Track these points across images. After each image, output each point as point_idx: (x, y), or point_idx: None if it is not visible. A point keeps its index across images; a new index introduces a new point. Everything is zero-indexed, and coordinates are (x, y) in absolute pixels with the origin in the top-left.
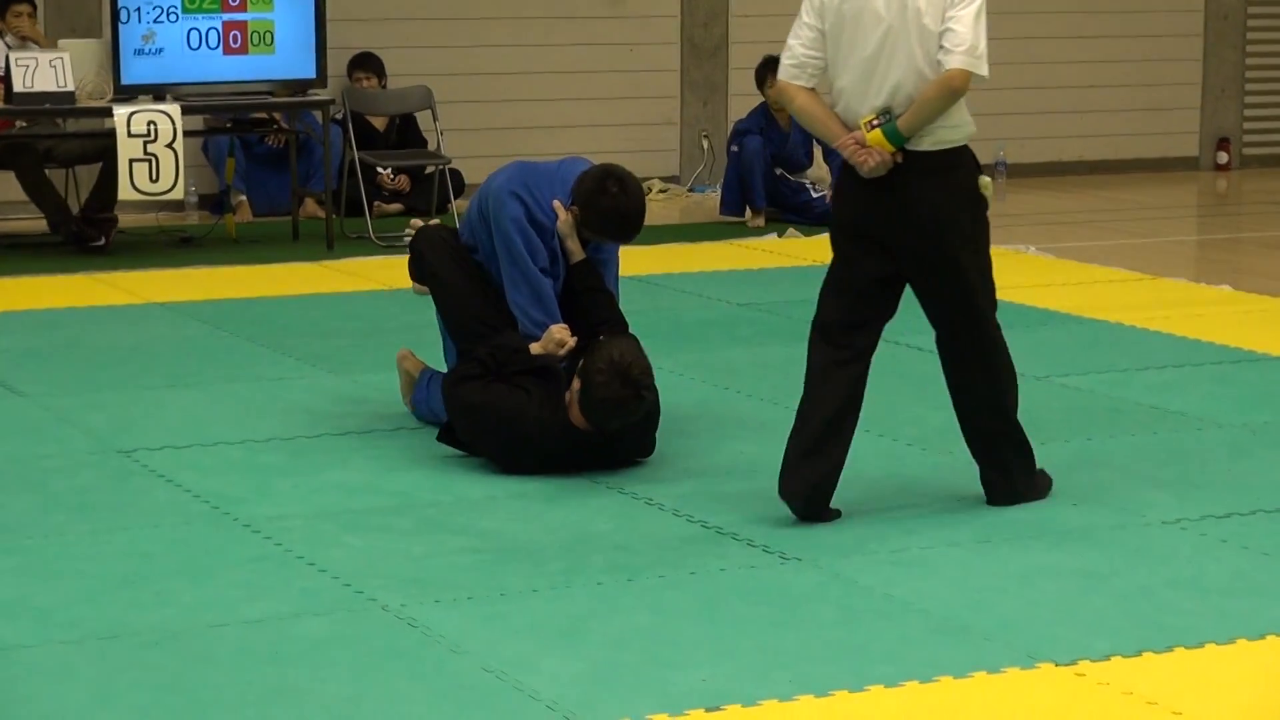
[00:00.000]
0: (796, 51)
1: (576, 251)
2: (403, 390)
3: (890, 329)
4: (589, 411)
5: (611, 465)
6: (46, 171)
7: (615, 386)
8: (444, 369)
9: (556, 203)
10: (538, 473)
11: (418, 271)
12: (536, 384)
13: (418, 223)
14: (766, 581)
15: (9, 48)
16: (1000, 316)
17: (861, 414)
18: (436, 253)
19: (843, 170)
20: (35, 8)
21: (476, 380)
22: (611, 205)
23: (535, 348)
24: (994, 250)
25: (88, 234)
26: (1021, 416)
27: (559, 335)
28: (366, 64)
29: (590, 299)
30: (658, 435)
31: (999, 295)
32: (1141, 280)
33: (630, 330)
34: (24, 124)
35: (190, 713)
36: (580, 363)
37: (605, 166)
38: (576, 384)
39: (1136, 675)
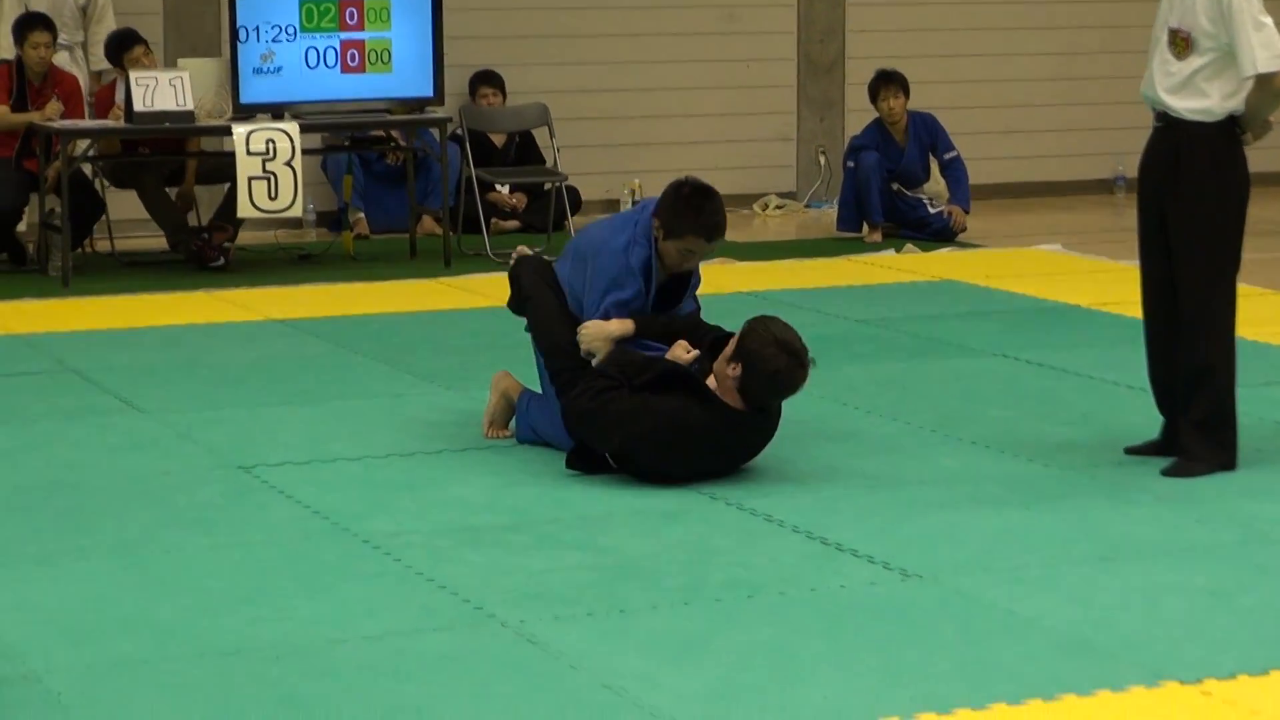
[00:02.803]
0: None
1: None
2: (490, 411)
3: (1009, 345)
4: (756, 389)
5: (756, 452)
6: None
7: (784, 359)
8: (539, 390)
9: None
10: (686, 480)
11: (517, 302)
12: (675, 387)
13: (524, 249)
14: (887, 599)
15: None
16: (1121, 332)
17: (980, 430)
18: (532, 278)
19: (1240, 148)
20: (148, 46)
21: (617, 390)
22: (688, 196)
23: (667, 356)
24: (1108, 265)
25: (207, 254)
26: (1146, 432)
27: (680, 351)
28: (490, 80)
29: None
30: (776, 452)
31: (1117, 310)
32: (1265, 295)
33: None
34: (146, 150)
35: None
36: (729, 349)
37: (678, 179)
38: (732, 369)
39: (1263, 695)
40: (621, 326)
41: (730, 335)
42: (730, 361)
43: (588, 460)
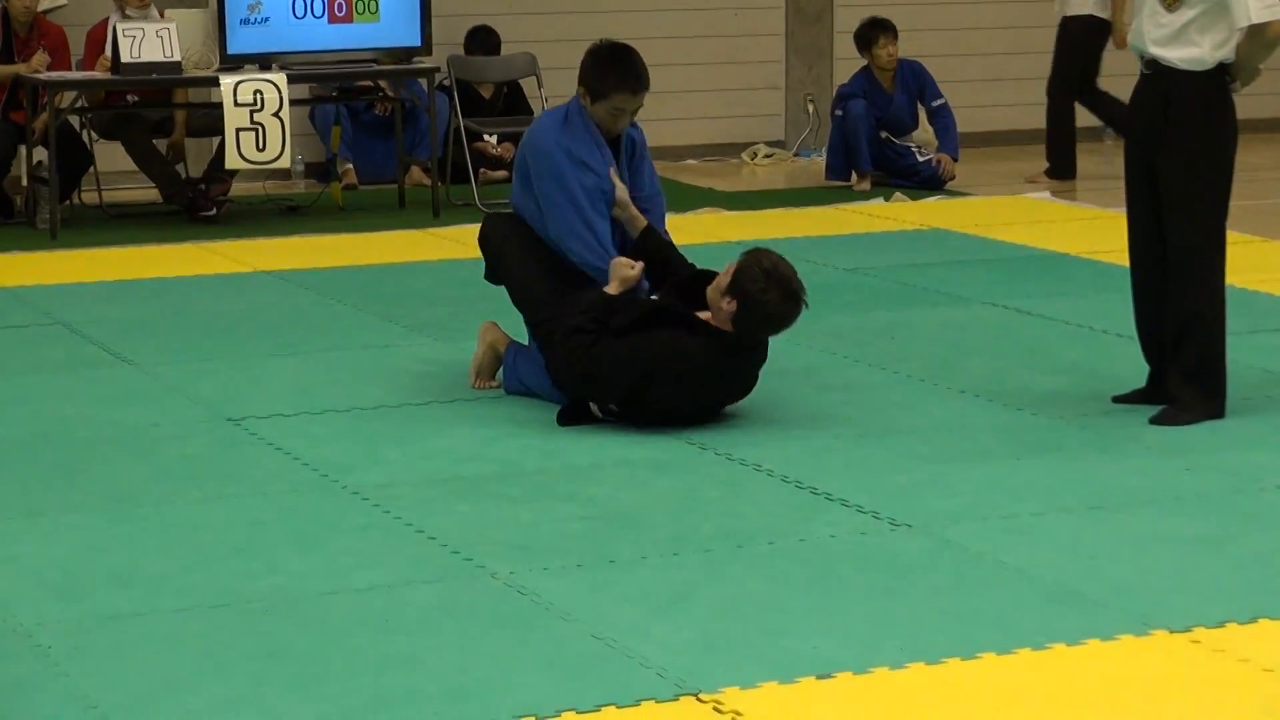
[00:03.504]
0: None
1: (637, 219)
2: (476, 362)
3: (997, 294)
4: (750, 325)
5: (753, 381)
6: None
7: (777, 297)
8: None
9: (612, 171)
10: (690, 416)
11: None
12: (663, 322)
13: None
14: (876, 548)
15: (126, 19)
16: (1110, 280)
17: (968, 379)
18: (500, 235)
19: (1229, 96)
20: None
21: (600, 343)
22: (607, 55)
23: (612, 289)
24: (1093, 212)
25: (200, 203)
26: (1135, 380)
27: (625, 270)
28: (485, 44)
29: (664, 260)
30: (765, 401)
31: (1105, 258)
32: (1252, 243)
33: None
34: (134, 98)
35: (300, 681)
36: (724, 282)
37: (591, 45)
38: (727, 303)
39: (1252, 642)
40: (635, 214)
41: (705, 273)
42: (725, 295)
43: (579, 416)
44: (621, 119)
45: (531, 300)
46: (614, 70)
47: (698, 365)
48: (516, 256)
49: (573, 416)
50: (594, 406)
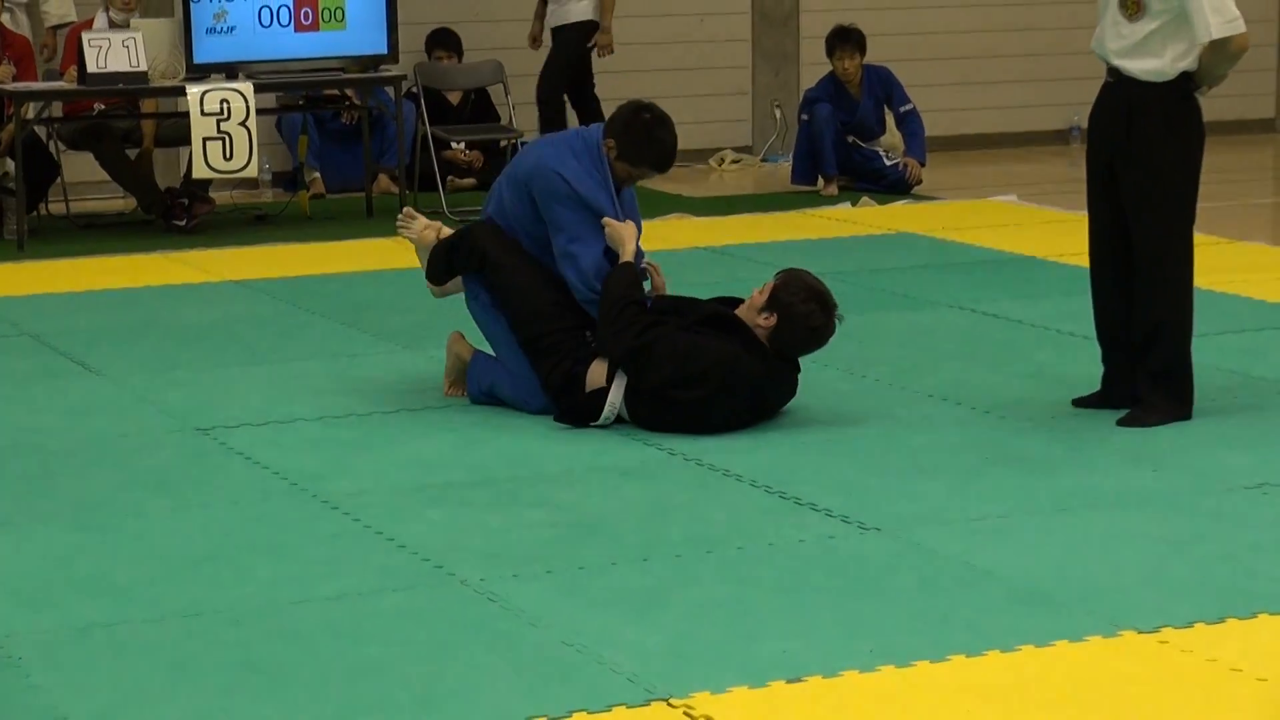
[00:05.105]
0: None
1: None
2: (449, 372)
3: (965, 297)
4: (790, 342)
5: (781, 406)
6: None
7: (819, 313)
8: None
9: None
10: (713, 430)
11: (439, 271)
12: (726, 330)
13: (410, 211)
14: (846, 552)
15: (113, 24)
16: (1077, 283)
17: (936, 382)
18: (495, 243)
19: (1193, 104)
20: None
21: (663, 326)
22: (648, 128)
23: (629, 254)
24: (1064, 216)
25: (175, 210)
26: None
27: (624, 229)
28: (445, 42)
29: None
30: None
31: (1072, 261)
32: (1219, 244)
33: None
34: (101, 106)
35: (271, 690)
36: (761, 299)
37: (635, 101)
38: (765, 319)
39: (1220, 642)
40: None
41: (726, 300)
42: (763, 312)
43: (577, 417)
44: (632, 182)
45: (532, 313)
46: (654, 149)
47: (742, 384)
48: (517, 269)
49: (569, 417)
50: (607, 411)
